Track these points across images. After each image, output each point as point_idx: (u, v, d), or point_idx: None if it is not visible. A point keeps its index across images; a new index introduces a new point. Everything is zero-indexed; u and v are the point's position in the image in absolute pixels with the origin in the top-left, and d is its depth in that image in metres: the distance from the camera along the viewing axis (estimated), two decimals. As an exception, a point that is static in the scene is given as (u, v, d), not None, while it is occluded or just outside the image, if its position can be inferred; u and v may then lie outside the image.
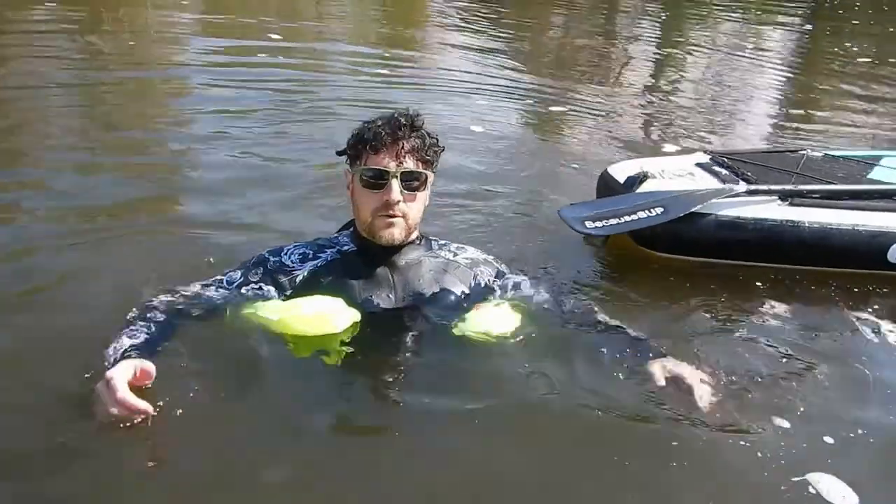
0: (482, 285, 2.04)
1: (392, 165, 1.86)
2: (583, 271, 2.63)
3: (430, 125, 1.98)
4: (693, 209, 2.56)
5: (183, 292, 1.91)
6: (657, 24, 11.29)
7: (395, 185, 1.86)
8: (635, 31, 10.53)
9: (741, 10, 12.99)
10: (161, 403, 1.59)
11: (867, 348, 2.29)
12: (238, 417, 1.69)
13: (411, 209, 1.92)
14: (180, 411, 1.61)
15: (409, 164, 1.88)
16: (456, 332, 1.87)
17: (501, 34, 8.87)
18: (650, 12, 13.16)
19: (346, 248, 2.02)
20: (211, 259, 2.37)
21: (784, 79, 7.63)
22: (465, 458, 1.64)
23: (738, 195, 2.64)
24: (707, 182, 2.76)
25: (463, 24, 9.45)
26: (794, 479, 1.64)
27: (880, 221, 2.63)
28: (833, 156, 3.15)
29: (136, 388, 1.55)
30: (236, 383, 1.76)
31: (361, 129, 1.93)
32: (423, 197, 1.95)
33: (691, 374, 1.79)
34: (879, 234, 2.62)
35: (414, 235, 2.01)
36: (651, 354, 1.86)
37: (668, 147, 4.51)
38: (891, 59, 8.87)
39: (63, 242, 2.55)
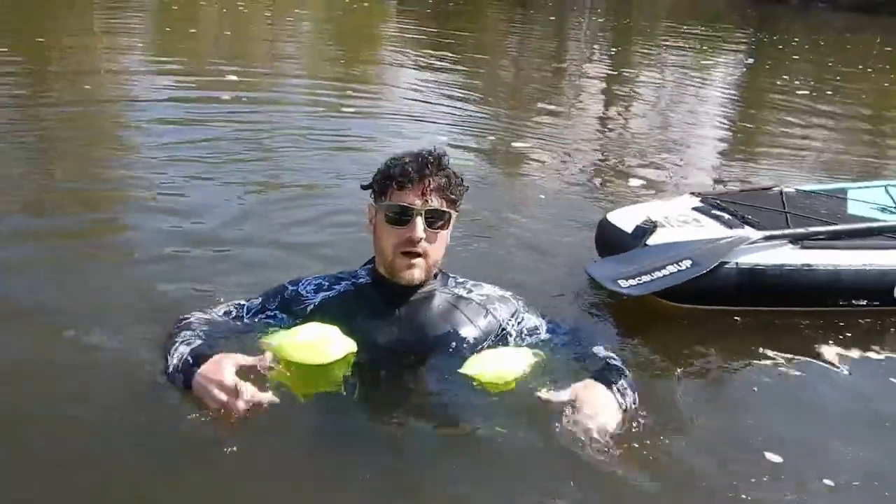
0: (494, 323, 2.01)
1: (417, 202, 1.86)
2: (590, 320, 2.57)
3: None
4: (721, 260, 2.52)
5: (209, 317, 1.99)
6: (608, 58, 11.54)
7: (420, 222, 1.85)
8: (586, 65, 10.73)
9: (687, 44, 13.37)
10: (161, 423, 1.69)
11: (867, 387, 2.31)
12: (231, 440, 1.68)
13: (433, 248, 1.91)
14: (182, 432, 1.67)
15: (434, 202, 1.87)
16: (453, 370, 1.85)
17: (457, 66, 8.93)
18: (601, 41, 13.51)
19: (361, 280, 2.02)
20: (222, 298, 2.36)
21: (731, 111, 7.85)
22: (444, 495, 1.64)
23: (755, 242, 2.62)
24: (715, 228, 2.74)
25: (417, 55, 9.50)
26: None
27: (886, 259, 2.68)
28: (806, 191, 3.21)
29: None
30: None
31: (388, 165, 1.92)
32: (445, 236, 1.94)
33: (588, 404, 1.72)
34: (886, 272, 2.67)
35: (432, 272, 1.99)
36: (587, 377, 1.81)
37: (633, 181, 4.53)
38: (828, 92, 9.20)
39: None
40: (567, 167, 4.83)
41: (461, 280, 2.08)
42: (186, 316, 1.96)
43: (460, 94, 7.15)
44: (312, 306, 1.96)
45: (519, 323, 2.04)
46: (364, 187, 1.99)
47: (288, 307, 1.98)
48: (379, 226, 1.92)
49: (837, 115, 7.67)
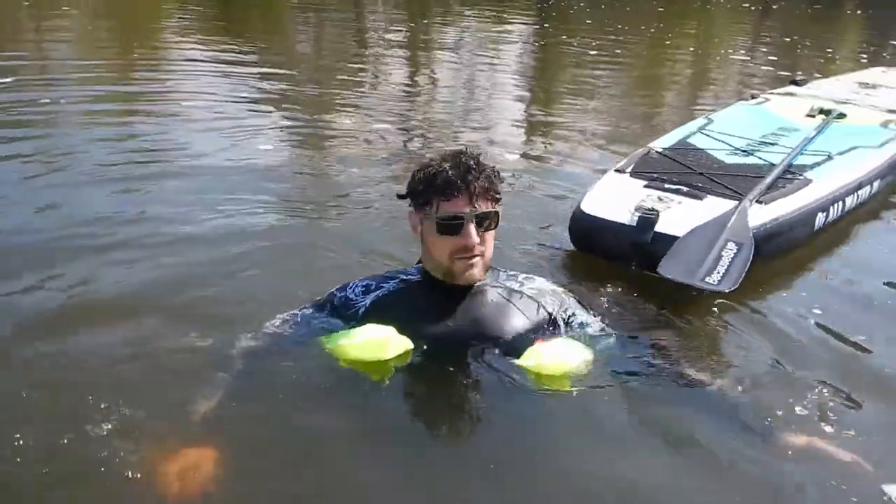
0: (546, 317, 2.02)
1: (466, 209, 1.86)
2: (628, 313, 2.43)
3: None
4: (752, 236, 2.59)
5: (264, 332, 2.02)
6: (409, 29, 11.56)
7: (472, 228, 1.86)
8: (388, 35, 10.72)
9: (484, 10, 13.73)
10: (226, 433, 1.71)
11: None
12: (291, 441, 1.74)
13: (486, 247, 1.93)
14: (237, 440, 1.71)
15: (482, 205, 1.88)
16: (508, 363, 1.88)
17: (252, 44, 8.68)
18: (400, 12, 13.49)
19: (412, 277, 2.04)
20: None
21: (529, 76, 8.18)
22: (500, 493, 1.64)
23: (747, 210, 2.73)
24: (694, 204, 2.82)
25: (208, 36, 9.13)
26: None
27: (807, 198, 2.93)
28: (670, 148, 3.39)
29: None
30: (297, 409, 1.81)
31: (427, 174, 1.90)
32: (493, 233, 1.95)
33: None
34: (811, 210, 2.91)
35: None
36: (773, 428, 1.80)
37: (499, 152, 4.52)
38: (617, 50, 9.87)
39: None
40: (393, 141, 4.80)
41: (512, 273, 2.09)
42: (238, 343, 1.97)
43: (260, 72, 6.90)
44: (364, 308, 1.98)
45: (569, 317, 2.04)
46: (401, 196, 1.99)
47: (339, 313, 2.00)
48: (429, 236, 1.92)
49: (625, 74, 8.26)
